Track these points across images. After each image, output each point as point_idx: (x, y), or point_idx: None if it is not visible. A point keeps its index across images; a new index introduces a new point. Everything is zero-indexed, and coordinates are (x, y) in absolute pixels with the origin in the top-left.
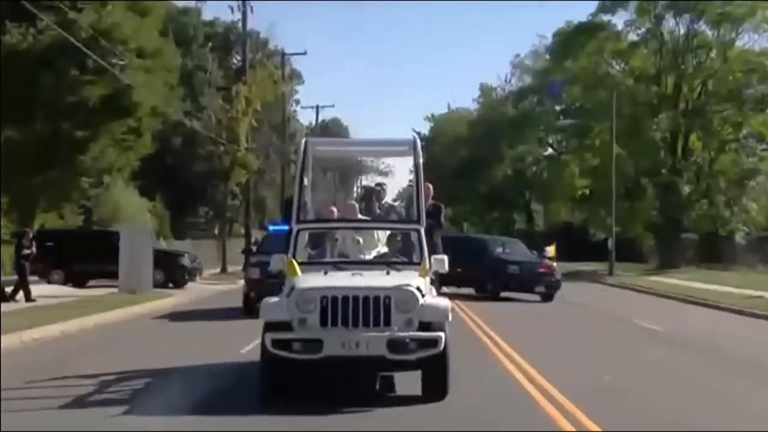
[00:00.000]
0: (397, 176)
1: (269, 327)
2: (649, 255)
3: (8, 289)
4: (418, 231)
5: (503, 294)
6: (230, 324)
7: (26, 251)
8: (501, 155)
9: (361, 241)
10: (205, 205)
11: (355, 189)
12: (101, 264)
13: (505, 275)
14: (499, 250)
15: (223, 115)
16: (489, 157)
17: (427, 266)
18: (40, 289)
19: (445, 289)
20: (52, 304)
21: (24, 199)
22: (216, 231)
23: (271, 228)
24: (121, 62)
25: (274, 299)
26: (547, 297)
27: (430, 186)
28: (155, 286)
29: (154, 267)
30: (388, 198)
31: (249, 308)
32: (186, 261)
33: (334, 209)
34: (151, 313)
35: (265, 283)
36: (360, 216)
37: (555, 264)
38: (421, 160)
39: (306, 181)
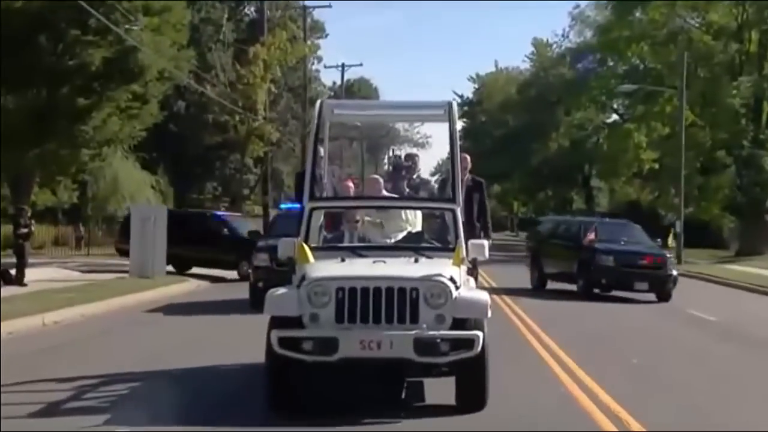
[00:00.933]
0: (436, 147)
1: (276, 323)
2: (729, 240)
3: (13, 271)
4: (453, 211)
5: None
6: (233, 320)
7: (24, 230)
8: (556, 123)
9: (382, 222)
10: (213, 181)
11: (385, 162)
12: (206, 249)
13: (596, 268)
14: (591, 236)
15: (239, 79)
16: (542, 126)
17: (463, 253)
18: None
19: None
20: (47, 289)
21: (19, 173)
22: (223, 210)
23: (282, 206)
24: (133, 26)
25: (282, 290)
26: (661, 296)
27: (468, 157)
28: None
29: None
30: (425, 172)
31: (256, 301)
32: None
33: (350, 184)
34: (163, 299)
35: (275, 272)
36: (385, 193)
37: (669, 253)
38: (457, 127)
39: (321, 152)
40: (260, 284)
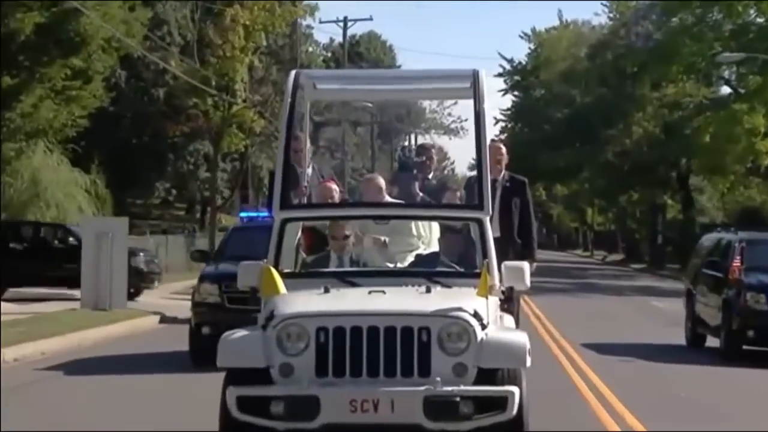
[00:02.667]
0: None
1: (234, 378)
2: None
3: None
4: (480, 222)
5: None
6: (165, 381)
7: None
8: (641, 100)
9: (386, 240)
10: (168, 181)
11: (405, 153)
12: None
13: (742, 313)
14: (736, 262)
15: (212, 50)
16: (622, 104)
17: (495, 279)
18: None
19: None
20: None
21: None
22: (185, 230)
23: (243, 215)
24: None
25: (241, 332)
26: None
27: (502, 148)
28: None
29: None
30: (458, 169)
31: (200, 354)
32: (141, 262)
33: (334, 187)
34: (104, 343)
35: (226, 311)
36: (388, 198)
37: None
38: (484, 106)
39: (301, 142)
40: (205, 329)
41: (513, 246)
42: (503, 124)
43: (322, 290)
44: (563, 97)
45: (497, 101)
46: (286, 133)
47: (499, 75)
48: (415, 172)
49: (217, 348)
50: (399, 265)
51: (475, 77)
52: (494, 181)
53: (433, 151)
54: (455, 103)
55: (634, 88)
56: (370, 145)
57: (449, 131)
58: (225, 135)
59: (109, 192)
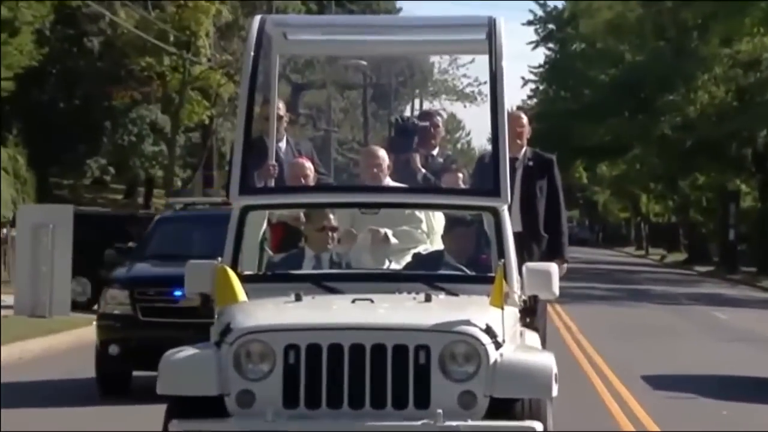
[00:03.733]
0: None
1: (178, 409)
2: None
3: None
4: (495, 212)
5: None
6: (67, 416)
7: None
8: (706, 59)
9: (387, 233)
10: (104, 157)
11: (404, 119)
12: None
13: None
14: None
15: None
16: (681, 65)
17: (513, 285)
18: None
19: None
20: None
21: None
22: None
23: (171, 202)
24: None
25: (188, 351)
26: None
27: (523, 117)
28: None
29: None
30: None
31: (106, 381)
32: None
33: (306, 164)
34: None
35: (140, 325)
36: (389, 181)
37: None
38: (503, 63)
39: (271, 108)
40: (112, 348)
41: (537, 243)
42: (533, 85)
43: (293, 298)
44: (609, 53)
45: (526, 55)
46: (248, 97)
47: (529, 23)
48: (415, 143)
49: (128, 373)
50: (393, 266)
51: (491, 27)
52: (513, 160)
53: (439, 119)
54: (472, 61)
55: (698, 44)
56: (363, 112)
57: (463, 96)
58: (185, 102)
59: (30, 171)
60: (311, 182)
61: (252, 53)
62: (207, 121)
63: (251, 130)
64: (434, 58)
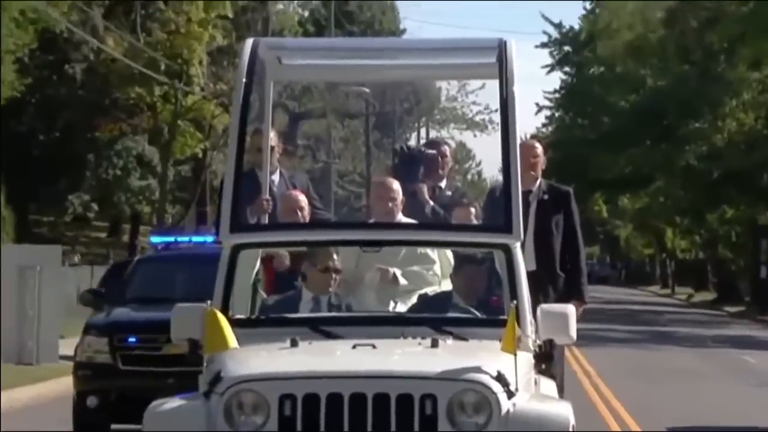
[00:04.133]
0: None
1: None
2: None
3: None
4: (507, 249)
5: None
6: None
7: None
8: (734, 83)
9: (396, 273)
10: (87, 192)
11: (409, 148)
12: None
13: None
14: None
15: (162, 25)
16: (706, 89)
17: (527, 328)
18: None
19: None
20: None
21: None
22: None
23: (154, 241)
24: None
25: (174, 402)
26: None
27: (538, 147)
28: None
29: None
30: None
31: None
32: None
33: (299, 197)
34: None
35: (119, 374)
36: (401, 218)
37: None
38: (514, 89)
39: (264, 138)
40: (91, 400)
41: (553, 283)
42: (548, 112)
43: (289, 344)
44: (629, 77)
45: (540, 80)
46: (239, 127)
47: (543, 45)
48: (421, 173)
49: (107, 427)
50: (398, 308)
51: (501, 49)
52: (527, 194)
53: (447, 147)
54: (482, 87)
55: (725, 67)
56: (365, 141)
57: (473, 125)
58: (177, 135)
59: (8, 207)
60: (306, 217)
61: (244, 79)
62: (200, 154)
63: (242, 162)
64: (442, 84)
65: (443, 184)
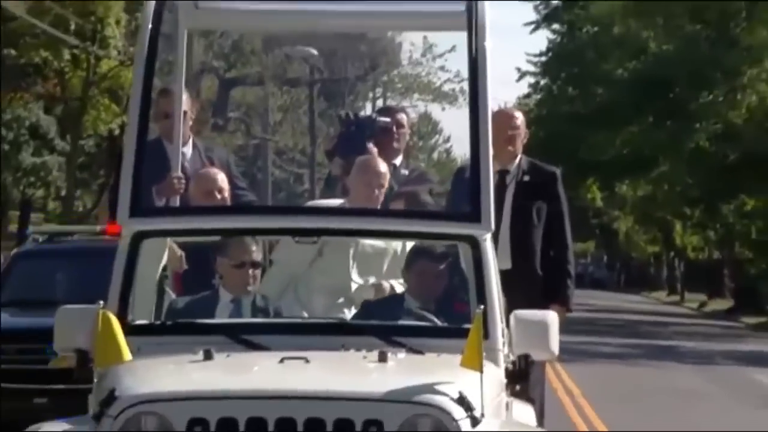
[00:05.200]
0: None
1: None
2: None
3: None
4: (475, 242)
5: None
6: None
7: None
8: (753, 49)
9: (393, 286)
10: None
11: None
12: None
13: None
14: None
15: None
16: (721, 55)
17: (497, 340)
18: None
19: None
20: None
21: None
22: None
23: (30, 233)
24: None
25: (58, 426)
26: None
27: (518, 117)
28: None
29: None
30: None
31: None
32: None
33: (218, 176)
34: None
35: (6, 396)
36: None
37: None
38: (485, 44)
39: (174, 101)
40: None
41: (532, 284)
42: (532, 79)
43: (202, 356)
44: (629, 41)
45: (522, 40)
46: (143, 85)
47: None
48: (371, 147)
49: None
50: (338, 314)
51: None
52: (502, 173)
53: (404, 116)
54: (452, 50)
55: (746, 28)
56: (309, 113)
57: (441, 96)
58: (89, 107)
59: None
60: (226, 199)
61: (149, 26)
62: (117, 131)
63: (146, 130)
64: (403, 45)
65: (398, 161)
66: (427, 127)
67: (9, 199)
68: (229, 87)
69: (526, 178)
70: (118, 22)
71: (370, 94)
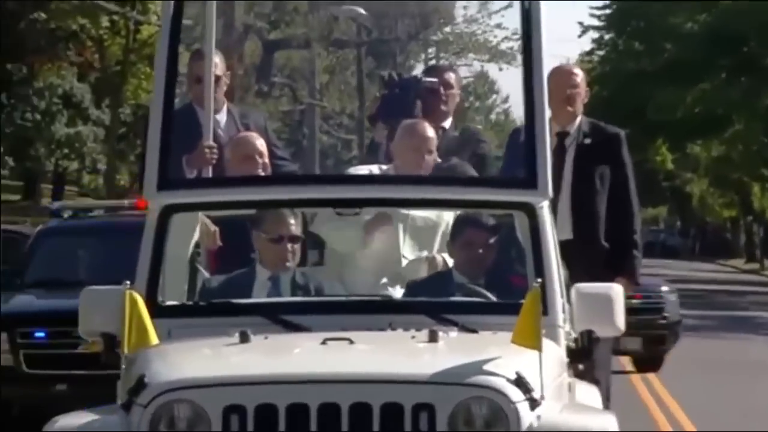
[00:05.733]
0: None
1: None
2: None
3: None
4: (531, 211)
5: None
6: None
7: None
8: None
9: (446, 259)
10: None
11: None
12: None
13: None
14: None
15: None
16: None
17: (557, 316)
18: None
19: None
20: None
21: None
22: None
23: (55, 208)
24: None
25: (84, 417)
26: None
27: (577, 74)
28: None
29: None
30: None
31: None
32: None
33: (257, 141)
34: None
35: (22, 380)
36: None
37: None
38: (540, 19)
39: (207, 64)
40: None
41: (594, 255)
42: (596, 34)
43: (237, 338)
44: None
45: None
46: (169, 46)
47: None
48: (418, 109)
49: None
50: (384, 292)
51: None
52: (561, 136)
53: (452, 75)
54: (509, 7)
55: None
56: (357, 74)
57: (499, 55)
58: (128, 75)
59: None
60: (266, 167)
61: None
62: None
63: (173, 95)
64: (458, 4)
65: (448, 123)
66: (484, 87)
67: (42, 172)
68: (273, 50)
69: (588, 140)
70: None
71: (422, 55)
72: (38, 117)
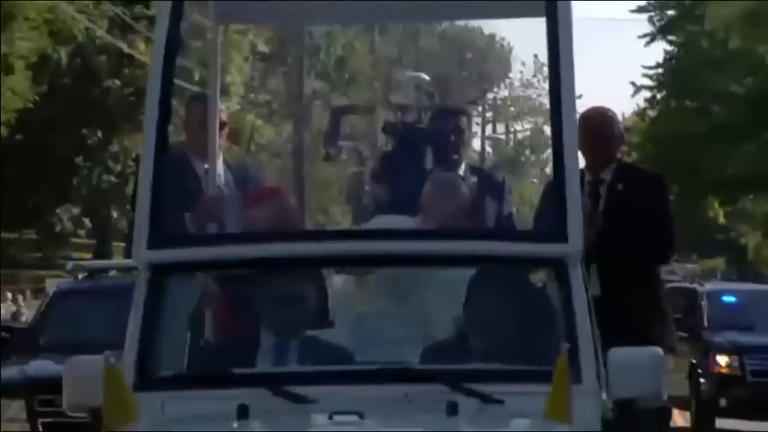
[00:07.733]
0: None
1: None
2: None
3: None
4: (560, 266)
5: None
6: None
7: None
8: None
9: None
10: (78, 204)
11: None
12: None
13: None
14: None
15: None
16: None
17: (590, 382)
18: None
19: None
20: None
21: None
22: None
23: (71, 267)
24: None
25: None
26: None
27: (611, 116)
28: None
29: None
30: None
31: None
32: None
33: (287, 200)
34: None
35: None
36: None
37: None
38: (569, 34)
39: (210, 108)
40: None
41: (631, 315)
42: (648, 93)
43: (235, 413)
44: (744, 56)
45: (639, 53)
46: (162, 84)
47: (640, 10)
48: (428, 160)
49: None
50: (402, 357)
51: None
52: (595, 183)
53: (464, 119)
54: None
55: None
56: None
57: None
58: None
59: None
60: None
61: (167, 27)
62: None
63: (166, 142)
64: (514, 67)
65: (461, 170)
66: (539, 141)
67: (109, 232)
68: (341, 115)
69: (620, 186)
70: (239, 70)
71: (480, 121)
72: (113, 179)
